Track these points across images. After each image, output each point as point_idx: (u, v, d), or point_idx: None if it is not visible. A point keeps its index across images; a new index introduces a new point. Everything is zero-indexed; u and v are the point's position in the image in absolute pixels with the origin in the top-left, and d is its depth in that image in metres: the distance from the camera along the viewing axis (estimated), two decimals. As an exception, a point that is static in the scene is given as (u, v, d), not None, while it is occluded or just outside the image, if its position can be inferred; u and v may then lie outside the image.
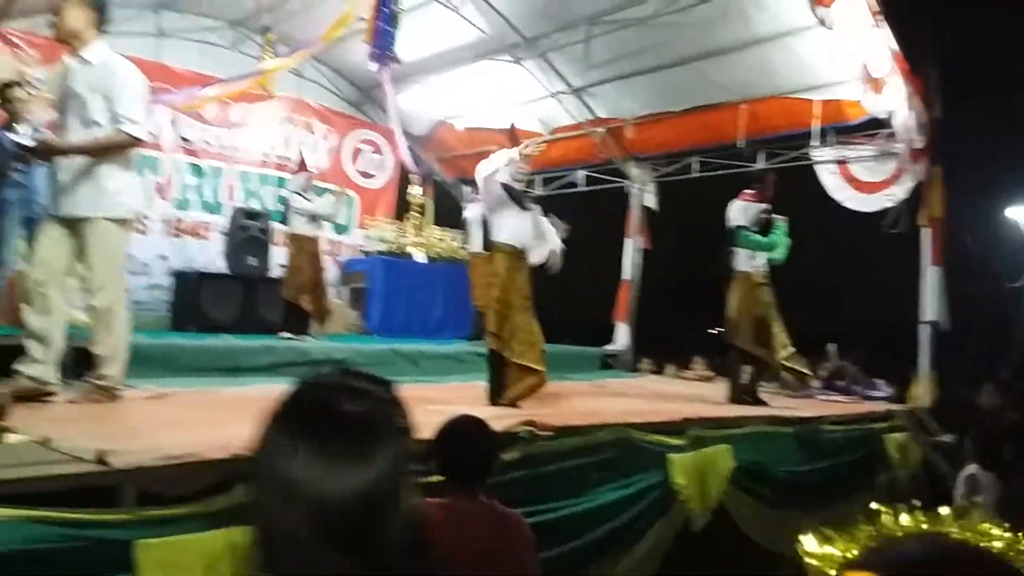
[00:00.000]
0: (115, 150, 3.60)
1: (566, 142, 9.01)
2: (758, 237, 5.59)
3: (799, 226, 5.77)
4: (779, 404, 6.00)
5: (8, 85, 5.63)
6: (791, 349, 5.71)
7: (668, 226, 9.24)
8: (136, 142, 3.65)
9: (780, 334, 5.67)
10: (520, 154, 4.74)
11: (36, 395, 3.51)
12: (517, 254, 4.68)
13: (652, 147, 8.54)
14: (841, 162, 7.18)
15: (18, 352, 4.36)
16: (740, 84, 7.18)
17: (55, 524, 2.04)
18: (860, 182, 7.07)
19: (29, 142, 4.91)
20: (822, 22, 4.94)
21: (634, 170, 8.88)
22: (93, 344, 3.67)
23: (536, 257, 4.99)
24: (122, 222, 3.69)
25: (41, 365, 3.59)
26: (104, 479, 2.25)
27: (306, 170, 7.21)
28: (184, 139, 8.15)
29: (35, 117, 5.57)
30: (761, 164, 7.72)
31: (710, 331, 6.48)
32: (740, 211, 5.66)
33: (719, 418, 4.78)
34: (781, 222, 5.62)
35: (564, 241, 5.25)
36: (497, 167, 4.68)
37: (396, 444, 0.86)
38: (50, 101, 6.87)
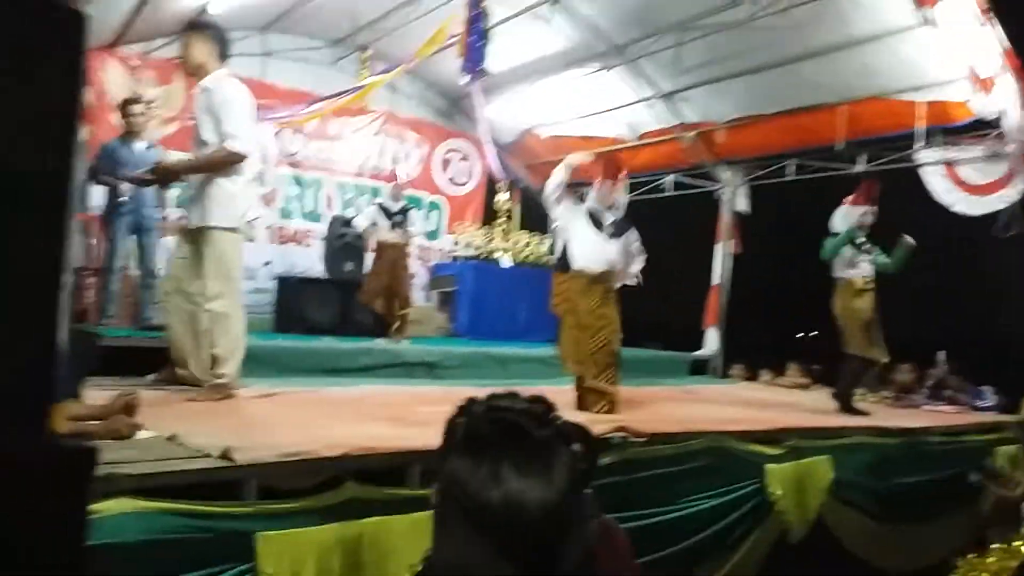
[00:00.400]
0: (220, 165, 3.84)
1: (654, 147, 8.94)
2: (830, 239, 5.55)
3: (903, 230, 5.57)
4: (882, 413, 5.80)
5: (128, 102, 6.11)
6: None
7: (760, 230, 9.02)
8: (238, 157, 3.86)
9: (881, 338, 5.57)
10: (567, 167, 4.76)
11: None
12: (592, 279, 4.67)
13: (744, 150, 8.37)
14: (949, 164, 6.84)
15: (139, 352, 4.75)
16: (839, 85, 6.94)
17: (185, 515, 2.21)
18: (970, 185, 6.70)
19: (145, 160, 5.38)
20: (928, 21, 4.73)
21: (725, 174, 8.73)
22: (211, 346, 3.93)
23: (621, 279, 5.02)
24: (231, 231, 3.93)
25: (179, 367, 3.91)
26: (228, 474, 2.42)
27: (392, 179, 7.49)
28: (287, 152, 8.58)
29: (149, 134, 6.03)
30: (861, 167, 7.45)
31: (798, 336, 6.32)
32: (841, 217, 5.54)
33: (819, 428, 4.66)
34: (906, 242, 5.54)
35: (648, 250, 5.28)
36: (552, 187, 4.75)
37: (572, 466, 0.90)
38: (163, 119, 7.41)
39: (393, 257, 7.12)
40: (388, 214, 7.17)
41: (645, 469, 3.56)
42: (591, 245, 4.68)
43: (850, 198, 5.68)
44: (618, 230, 4.76)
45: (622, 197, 4.90)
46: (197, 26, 4.07)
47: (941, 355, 7.00)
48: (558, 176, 4.76)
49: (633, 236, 4.93)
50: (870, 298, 5.55)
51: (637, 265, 5.23)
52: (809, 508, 4.21)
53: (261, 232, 8.33)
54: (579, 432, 0.94)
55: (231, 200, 3.90)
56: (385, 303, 7.03)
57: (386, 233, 7.16)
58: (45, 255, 0.98)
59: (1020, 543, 4.19)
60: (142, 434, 2.73)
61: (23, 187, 0.91)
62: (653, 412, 4.80)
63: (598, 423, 3.73)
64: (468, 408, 0.93)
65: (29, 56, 0.91)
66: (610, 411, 4.53)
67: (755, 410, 5.47)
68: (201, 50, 3.90)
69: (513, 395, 0.96)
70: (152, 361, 4.71)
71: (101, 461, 1.95)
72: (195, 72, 3.94)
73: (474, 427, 0.90)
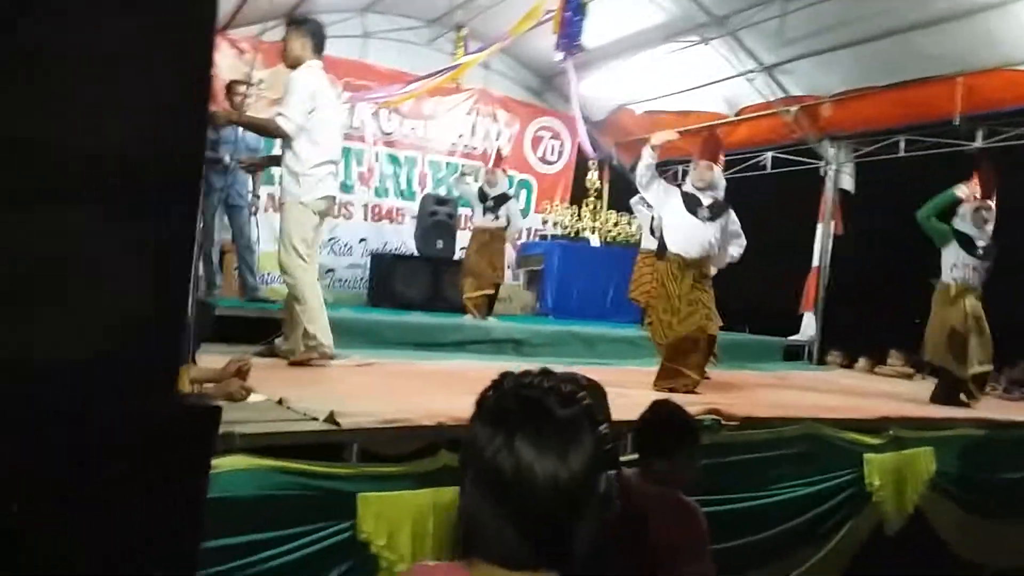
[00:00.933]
0: (262, 132, 4.34)
1: (753, 122, 8.64)
2: (936, 224, 5.19)
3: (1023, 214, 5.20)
4: (991, 405, 5.48)
5: (234, 83, 6.41)
6: (987, 367, 5.23)
7: (866, 210, 8.60)
8: (280, 132, 4.05)
9: (981, 349, 5.18)
10: (652, 147, 4.70)
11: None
12: (685, 263, 4.60)
13: (852, 125, 7.97)
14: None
15: (247, 323, 5.03)
16: (957, 56, 6.49)
17: (292, 474, 2.34)
18: (1103, 161, 6.19)
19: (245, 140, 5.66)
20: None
21: (830, 150, 8.35)
22: (293, 315, 4.20)
23: (718, 263, 4.92)
24: (297, 204, 4.15)
25: (290, 336, 4.24)
26: (333, 437, 2.56)
27: (484, 162, 7.56)
28: (384, 132, 8.79)
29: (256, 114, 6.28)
30: (979, 143, 6.98)
31: (916, 321, 6.02)
32: (961, 218, 5.19)
33: (921, 418, 4.46)
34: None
35: (745, 231, 5.16)
36: (641, 169, 4.71)
37: (594, 447, 0.93)
38: (269, 102, 7.72)
39: (484, 242, 7.16)
40: (483, 198, 7.21)
41: (737, 453, 3.51)
42: (686, 228, 4.60)
43: (964, 190, 5.24)
44: (714, 213, 4.65)
45: (720, 178, 4.76)
46: (295, 22, 4.31)
47: None
48: (645, 157, 4.70)
49: (731, 219, 4.82)
50: (965, 307, 5.16)
51: (736, 249, 5.13)
52: (908, 500, 4.06)
53: (358, 210, 8.61)
54: (605, 414, 0.97)
55: (295, 178, 4.12)
56: (473, 285, 7.06)
57: (479, 218, 7.23)
58: (181, 233, 1.05)
59: None
60: (253, 397, 2.90)
61: (161, 167, 0.98)
62: (745, 396, 4.71)
63: (689, 405, 3.70)
64: (499, 382, 0.97)
65: (164, 36, 0.97)
66: (688, 389, 4.49)
67: (854, 398, 5.27)
68: (296, 44, 4.13)
69: (547, 372, 0.99)
70: (259, 331, 5.00)
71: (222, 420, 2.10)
72: (293, 64, 4.16)
73: (500, 400, 0.95)
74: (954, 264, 5.20)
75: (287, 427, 2.55)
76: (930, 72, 6.82)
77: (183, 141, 1.03)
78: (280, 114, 4.05)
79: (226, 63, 7.44)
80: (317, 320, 4.19)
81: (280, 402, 2.90)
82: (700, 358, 4.68)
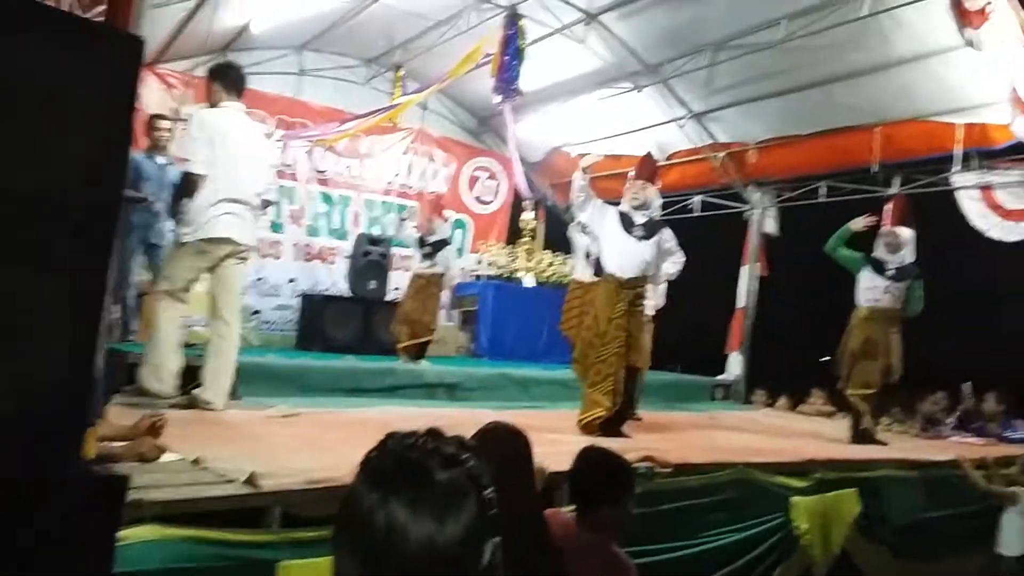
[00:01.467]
0: (189, 186, 4.13)
1: (683, 167, 8.89)
2: (845, 253, 5.51)
3: (937, 256, 5.48)
4: (907, 445, 5.68)
5: (156, 117, 6.21)
6: (871, 389, 5.45)
7: (789, 253, 8.91)
8: (190, 178, 4.12)
9: (867, 372, 5.43)
10: (583, 170, 4.78)
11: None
12: (621, 284, 4.62)
13: (776, 171, 8.29)
14: (985, 188, 6.72)
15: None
16: (875, 106, 6.85)
17: (208, 543, 2.20)
18: (1006, 209, 6.58)
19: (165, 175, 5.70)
20: (971, 44, 4.67)
21: (755, 195, 8.65)
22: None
23: (655, 282, 4.98)
24: (175, 243, 4.30)
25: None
26: (254, 501, 2.42)
27: (421, 200, 7.52)
28: (317, 170, 8.66)
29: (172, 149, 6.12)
30: (895, 189, 7.34)
31: (821, 360, 6.28)
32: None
33: (845, 460, 4.57)
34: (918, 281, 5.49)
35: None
36: (575, 191, 4.77)
37: (478, 512, 0.90)
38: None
39: (420, 287, 7.03)
40: (421, 244, 7.14)
41: (670, 501, 3.50)
42: (621, 248, 4.61)
43: (859, 222, 5.59)
44: (649, 231, 4.67)
45: (656, 197, 4.81)
46: (211, 73, 4.40)
47: (967, 386, 6.85)
48: (578, 179, 4.74)
49: (665, 236, 4.84)
50: (869, 331, 5.45)
51: (673, 267, 5.13)
52: (834, 542, 4.14)
53: (288, 249, 8.42)
54: (486, 478, 0.94)
55: (187, 216, 4.12)
56: (408, 332, 6.93)
57: (416, 263, 7.15)
58: (91, 282, 0.98)
59: None
60: (167, 456, 2.74)
61: (76, 215, 0.91)
62: (678, 440, 4.75)
63: (625, 452, 3.68)
64: (383, 443, 0.94)
65: (87, 81, 0.91)
66: (601, 424, 4.50)
67: (780, 439, 5.39)
68: (213, 89, 4.27)
69: (433, 433, 0.96)
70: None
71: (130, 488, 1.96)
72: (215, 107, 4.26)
73: (381, 461, 0.92)
74: (866, 287, 5.52)
75: (202, 492, 2.40)
76: (850, 122, 7.18)
77: (101, 184, 0.95)
78: (185, 160, 4.14)
79: (154, 98, 7.23)
80: (149, 359, 4.10)
81: (196, 462, 2.75)
82: (620, 386, 4.61)
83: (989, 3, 4.82)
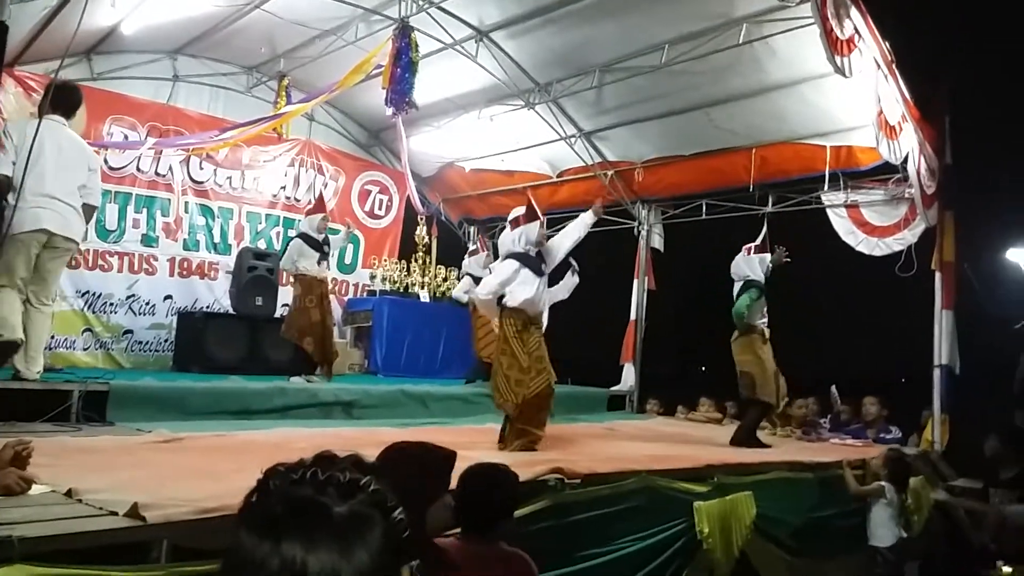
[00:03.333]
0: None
1: (574, 184, 9.07)
2: (747, 296, 5.68)
3: (812, 270, 5.81)
4: (793, 448, 5.96)
5: None
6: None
7: (675, 267, 9.27)
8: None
9: (782, 385, 5.78)
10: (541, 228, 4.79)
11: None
12: (529, 319, 4.68)
13: (661, 190, 8.61)
14: (851, 206, 7.24)
15: (27, 396, 4.35)
16: (751, 129, 7.27)
17: (87, 583, 1.96)
18: (871, 226, 7.12)
19: None
20: (840, 70, 5.01)
21: (642, 212, 8.93)
22: None
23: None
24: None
25: None
26: (139, 534, 2.17)
27: (322, 210, 7.09)
28: (194, 180, 8.16)
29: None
30: (770, 207, 7.78)
31: (702, 369, 6.51)
32: (757, 264, 5.69)
33: (741, 464, 4.71)
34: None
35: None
36: (523, 244, 4.72)
37: (387, 538, 0.81)
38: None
39: (320, 292, 6.71)
40: (316, 246, 6.80)
41: (580, 512, 3.48)
42: (531, 288, 4.66)
43: (754, 245, 5.82)
44: (544, 264, 4.80)
45: (542, 230, 4.88)
46: (48, 89, 4.57)
47: (833, 389, 7.30)
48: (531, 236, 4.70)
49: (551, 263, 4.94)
50: (769, 349, 5.75)
51: (564, 292, 5.27)
52: (734, 545, 4.24)
53: (163, 264, 7.87)
54: (389, 499, 0.85)
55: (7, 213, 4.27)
56: (317, 341, 6.60)
57: (313, 267, 6.75)
58: None
59: None
60: (36, 489, 2.44)
61: None
62: (582, 451, 4.75)
63: (533, 465, 3.64)
64: (264, 483, 0.82)
65: None
66: (528, 449, 4.50)
67: (678, 446, 5.52)
68: (43, 104, 4.51)
69: (324, 460, 0.85)
70: (42, 405, 4.33)
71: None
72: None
73: (266, 505, 0.80)
74: (763, 311, 5.76)
75: (79, 526, 2.14)
76: (728, 144, 7.58)
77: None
78: None
79: (11, 101, 6.59)
80: None
81: (70, 493, 2.45)
82: (546, 414, 4.75)
83: (856, 33, 5.19)
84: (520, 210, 4.90)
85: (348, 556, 0.76)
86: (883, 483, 4.96)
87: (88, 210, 4.70)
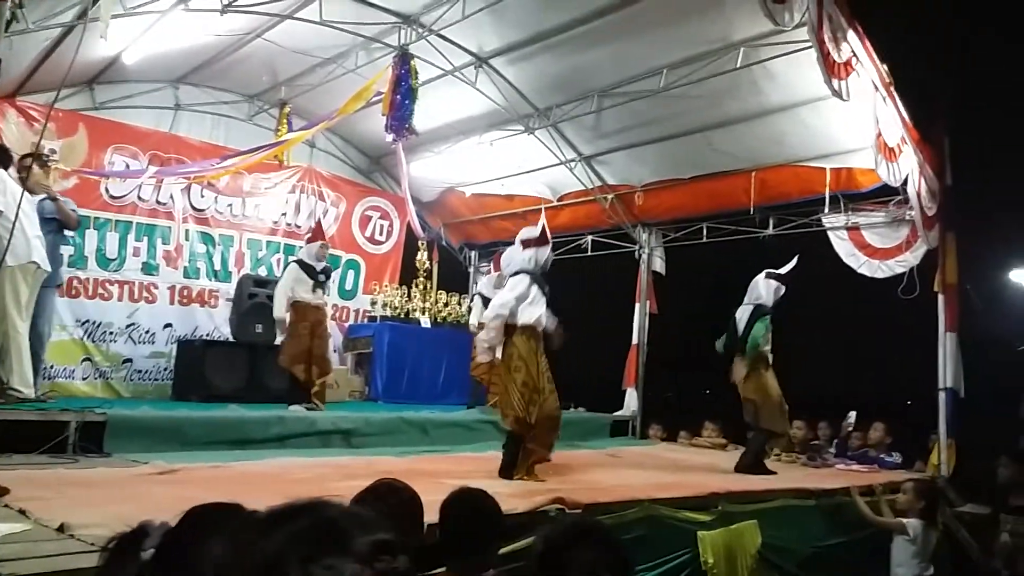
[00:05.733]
0: None
1: (574, 208, 9.08)
2: (759, 326, 5.65)
3: (814, 293, 5.77)
4: (798, 475, 5.88)
5: (26, 156, 5.66)
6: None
7: (677, 290, 9.24)
8: None
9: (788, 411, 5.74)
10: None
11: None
12: (538, 337, 4.66)
13: (661, 213, 8.60)
14: (852, 228, 7.22)
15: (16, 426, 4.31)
16: (751, 152, 7.28)
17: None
18: (872, 248, 7.09)
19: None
20: (838, 94, 5.02)
21: (643, 235, 8.93)
22: None
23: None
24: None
25: None
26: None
27: (320, 237, 7.08)
28: (195, 208, 8.18)
29: (47, 187, 5.59)
30: (771, 230, 7.77)
31: (706, 391, 6.44)
32: (772, 291, 5.69)
33: (746, 492, 4.64)
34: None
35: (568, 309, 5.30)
36: (533, 264, 4.74)
37: None
38: (62, 174, 6.98)
39: (314, 319, 6.70)
40: (311, 273, 6.79)
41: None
42: (538, 305, 4.66)
43: (777, 273, 5.81)
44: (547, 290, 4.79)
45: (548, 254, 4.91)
46: None
47: (851, 416, 7.20)
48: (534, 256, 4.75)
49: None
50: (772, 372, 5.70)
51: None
52: (739, 574, 4.16)
53: (163, 292, 7.86)
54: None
55: None
56: (306, 368, 6.56)
57: (307, 294, 6.72)
58: None
59: None
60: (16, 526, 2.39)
61: None
62: (584, 480, 4.69)
63: (533, 495, 3.59)
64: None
65: None
66: (539, 463, 4.50)
67: (681, 473, 5.45)
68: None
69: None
70: (40, 435, 4.30)
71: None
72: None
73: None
74: (769, 338, 5.71)
75: (71, 563, 2.10)
76: (727, 167, 7.57)
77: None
78: None
79: (14, 132, 6.63)
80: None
81: (62, 529, 2.41)
82: (555, 436, 4.73)
83: (854, 55, 5.20)
84: (534, 231, 4.89)
85: None
86: (906, 520, 4.81)
87: None
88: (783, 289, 5.78)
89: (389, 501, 2.04)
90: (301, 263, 6.79)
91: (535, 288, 4.66)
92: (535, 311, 4.63)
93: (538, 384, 4.53)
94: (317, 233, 7.12)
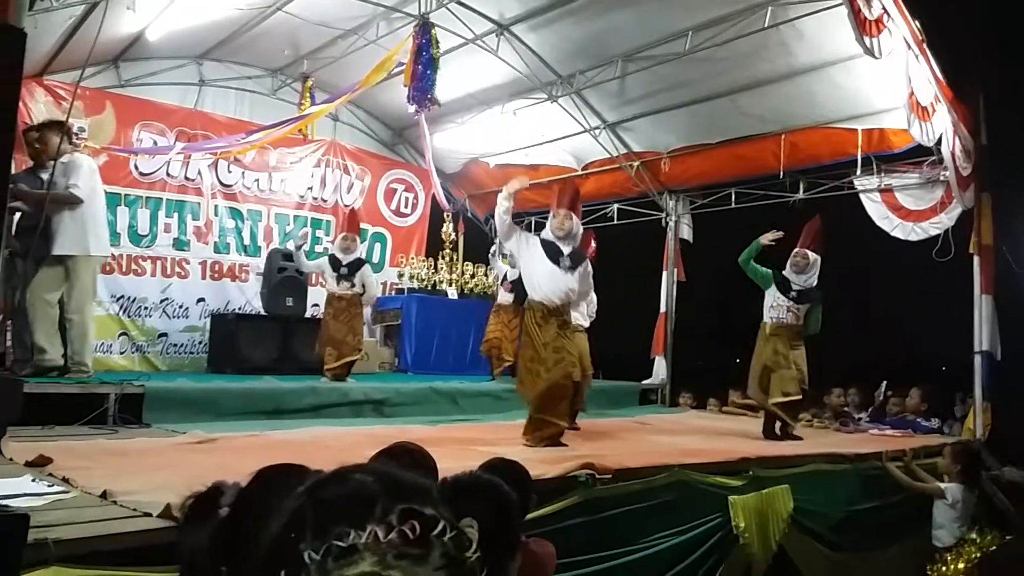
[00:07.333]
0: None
1: (599, 176, 8.99)
2: (755, 268, 5.67)
3: (847, 257, 5.68)
4: (830, 440, 5.85)
5: (31, 129, 5.61)
6: (792, 396, 5.57)
7: (705, 257, 9.14)
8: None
9: (784, 382, 5.58)
10: (508, 196, 4.64)
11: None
12: (548, 311, 4.59)
13: (688, 179, 8.49)
14: (885, 191, 7.06)
15: (66, 399, 4.43)
16: (780, 115, 7.12)
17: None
18: (906, 210, 6.93)
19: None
20: (870, 52, 4.87)
21: (669, 202, 8.83)
22: None
23: (576, 309, 4.99)
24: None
25: None
26: (172, 535, 2.18)
27: (342, 229, 7.29)
28: (223, 184, 8.25)
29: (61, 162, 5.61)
30: (801, 194, 7.63)
31: (737, 360, 6.43)
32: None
33: (777, 456, 4.63)
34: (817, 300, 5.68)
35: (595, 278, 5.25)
36: (498, 218, 4.71)
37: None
38: (92, 151, 7.06)
39: (341, 308, 6.74)
40: (336, 265, 6.85)
41: (612, 507, 3.44)
42: (548, 277, 4.59)
43: (768, 237, 5.72)
44: (574, 262, 4.68)
45: (579, 227, 4.79)
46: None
47: (883, 385, 7.12)
48: (502, 204, 4.63)
49: (588, 269, 4.87)
50: (776, 344, 5.61)
51: (591, 307, 5.25)
52: (771, 539, 4.17)
53: (195, 268, 7.98)
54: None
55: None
56: (336, 355, 6.61)
57: (332, 285, 6.85)
58: None
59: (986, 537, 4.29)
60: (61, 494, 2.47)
61: None
62: (614, 445, 4.71)
63: (563, 461, 3.61)
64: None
65: None
66: (552, 443, 4.46)
67: (711, 439, 5.44)
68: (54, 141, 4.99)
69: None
70: (77, 409, 4.41)
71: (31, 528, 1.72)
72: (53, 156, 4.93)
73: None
74: (771, 304, 5.68)
75: (113, 527, 2.16)
76: (756, 130, 7.43)
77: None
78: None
79: (42, 111, 6.71)
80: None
81: (104, 495, 2.48)
82: (567, 406, 4.69)
83: (885, 12, 5.04)
84: (576, 224, 4.75)
85: None
86: (944, 484, 4.77)
87: None
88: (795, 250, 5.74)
89: (403, 461, 2.06)
90: (331, 257, 6.93)
91: (546, 260, 4.60)
92: (542, 285, 4.58)
93: (541, 355, 4.51)
94: (344, 222, 7.21)
